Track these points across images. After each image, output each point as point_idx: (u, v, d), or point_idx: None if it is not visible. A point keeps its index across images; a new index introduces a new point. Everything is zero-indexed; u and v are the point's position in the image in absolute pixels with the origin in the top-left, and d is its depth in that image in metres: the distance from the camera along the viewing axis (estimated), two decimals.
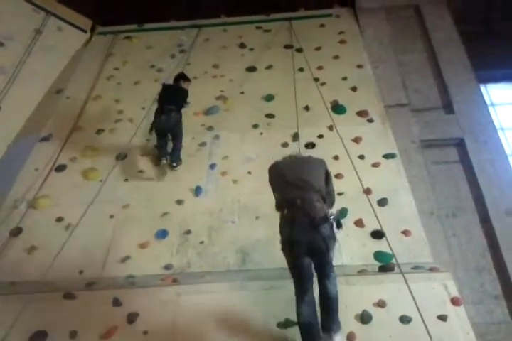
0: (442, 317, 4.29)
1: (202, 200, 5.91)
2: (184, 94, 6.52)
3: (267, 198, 5.72)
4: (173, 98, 6.34)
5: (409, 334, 4.16)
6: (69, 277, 5.07)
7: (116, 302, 4.65)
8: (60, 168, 6.35)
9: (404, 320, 4.26)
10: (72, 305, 4.71)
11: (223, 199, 5.87)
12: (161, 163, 6.22)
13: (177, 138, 6.36)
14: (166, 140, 6.39)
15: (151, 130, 6.31)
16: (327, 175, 4.21)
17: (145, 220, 5.60)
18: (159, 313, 4.56)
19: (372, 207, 5.05)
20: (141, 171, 6.35)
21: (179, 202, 5.88)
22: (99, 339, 4.39)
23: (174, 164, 6.19)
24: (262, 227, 5.49)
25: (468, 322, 4.32)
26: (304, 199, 3.91)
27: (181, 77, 6.74)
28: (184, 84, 6.63)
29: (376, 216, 4.84)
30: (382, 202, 5.59)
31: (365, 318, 4.32)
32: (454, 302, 4.42)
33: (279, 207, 4.09)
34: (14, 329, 4.40)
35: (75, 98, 7.48)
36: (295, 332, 4.25)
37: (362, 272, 4.86)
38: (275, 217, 5.52)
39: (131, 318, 4.52)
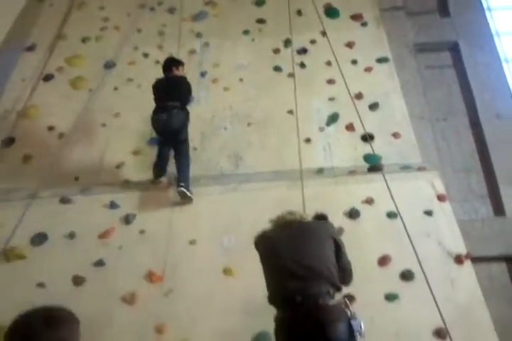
0: (428, 213, 4.46)
1: (193, 108, 5.87)
2: (186, 84, 5.15)
3: (259, 105, 5.77)
4: (173, 92, 5.00)
5: (396, 229, 4.32)
6: (65, 183, 5.17)
7: (113, 205, 4.78)
8: (48, 78, 6.24)
9: (391, 215, 4.41)
10: (69, 209, 4.85)
11: (215, 107, 5.84)
12: (157, 182, 4.98)
13: (182, 150, 4.93)
14: (167, 149, 5.00)
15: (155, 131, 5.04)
16: (338, 246, 2.95)
17: (136, 128, 5.61)
18: (155, 215, 4.71)
19: (357, 112, 5.07)
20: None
21: None
22: (97, 239, 4.57)
23: (182, 184, 4.67)
24: (254, 133, 5.53)
25: (454, 217, 4.49)
26: (308, 294, 2.67)
27: (171, 63, 5.32)
28: (178, 71, 5.28)
29: (361, 120, 4.90)
30: (373, 107, 5.59)
31: (353, 214, 4.49)
32: (440, 198, 4.57)
33: (271, 301, 2.88)
34: (15, 232, 4.56)
35: (59, 5, 7.19)
36: None
37: (351, 173, 4.97)
38: (268, 124, 5.60)
39: (128, 219, 4.68)
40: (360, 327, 2.68)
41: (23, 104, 5.94)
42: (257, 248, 3.07)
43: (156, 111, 4.95)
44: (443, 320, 3.52)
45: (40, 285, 4.16)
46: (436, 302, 3.58)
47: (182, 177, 4.74)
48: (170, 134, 4.92)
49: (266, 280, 2.95)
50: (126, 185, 5.10)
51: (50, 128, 5.70)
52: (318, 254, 2.82)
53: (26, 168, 5.40)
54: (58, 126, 5.70)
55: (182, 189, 4.63)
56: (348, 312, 2.73)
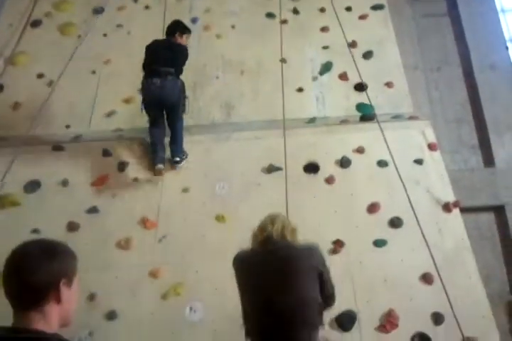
0: (418, 161, 4.50)
1: None
2: (185, 55, 4.70)
3: (252, 53, 5.68)
4: (169, 58, 4.51)
5: (385, 177, 4.38)
6: (56, 131, 5.14)
7: (106, 153, 4.78)
8: (36, 24, 6.07)
9: (382, 163, 4.46)
10: (61, 157, 4.84)
11: (207, 55, 5.74)
12: (156, 168, 4.49)
13: (175, 121, 4.61)
14: (162, 122, 4.64)
15: (143, 105, 4.55)
16: (322, 280, 2.61)
17: (128, 75, 5.51)
18: (148, 163, 4.71)
19: (354, 60, 5.04)
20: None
21: None
22: (90, 186, 4.59)
23: (177, 159, 4.53)
24: (246, 82, 5.47)
25: (443, 166, 4.55)
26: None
27: (177, 28, 4.81)
28: (182, 39, 4.77)
29: (357, 69, 4.86)
30: (367, 55, 5.52)
31: (344, 163, 4.52)
32: (431, 147, 4.61)
33: (248, 335, 2.61)
34: (8, 180, 4.55)
35: None
36: (278, 176, 4.48)
37: (343, 122, 4.98)
38: (261, 72, 5.53)
39: (122, 167, 4.68)
40: None
41: (10, 50, 5.80)
42: (234, 269, 2.74)
43: (147, 76, 4.49)
44: (434, 262, 3.62)
45: (35, 231, 4.20)
46: (428, 245, 3.68)
47: (176, 150, 4.56)
48: (164, 107, 4.55)
49: (242, 307, 2.63)
50: (119, 132, 5.08)
51: (40, 76, 5.59)
52: (301, 291, 2.52)
53: (16, 116, 5.34)
54: (47, 73, 5.59)
55: (177, 165, 4.57)
56: None
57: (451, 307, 3.51)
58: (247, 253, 2.74)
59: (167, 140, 4.68)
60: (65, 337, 1.49)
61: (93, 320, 3.66)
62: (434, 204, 4.26)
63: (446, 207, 4.22)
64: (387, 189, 4.31)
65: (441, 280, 3.61)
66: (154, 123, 4.61)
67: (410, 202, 3.88)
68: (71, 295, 1.55)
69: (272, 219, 2.78)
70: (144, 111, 4.55)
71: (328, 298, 2.68)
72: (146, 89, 4.48)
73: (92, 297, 3.81)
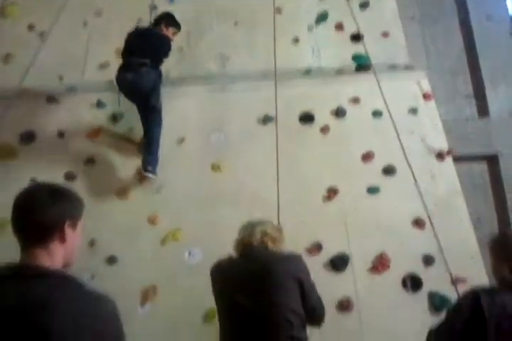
0: (413, 111, 4.53)
1: (177, 7, 5.68)
2: (165, 43, 4.38)
3: (246, 3, 5.58)
4: (147, 48, 4.24)
5: (380, 127, 4.41)
6: (49, 83, 5.09)
7: (100, 104, 4.78)
8: None
9: (377, 113, 4.48)
10: (56, 108, 4.84)
11: (200, 5, 5.64)
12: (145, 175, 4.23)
13: (152, 119, 4.32)
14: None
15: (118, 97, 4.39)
16: (304, 290, 2.47)
17: (120, 27, 5.42)
18: None
19: (351, 10, 4.97)
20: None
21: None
22: (85, 138, 4.61)
23: (149, 168, 4.17)
24: (241, 32, 5.41)
25: (438, 115, 4.58)
26: None
27: (165, 18, 4.55)
28: (167, 32, 4.48)
29: (354, 19, 4.79)
30: (364, 5, 5.44)
31: (339, 113, 4.55)
32: (426, 97, 4.63)
33: None
34: (3, 132, 4.54)
35: None
36: (273, 127, 4.50)
37: (339, 72, 4.96)
38: (256, 22, 5.46)
39: (116, 118, 4.69)
40: None
41: (0, 2, 5.69)
42: (211, 278, 2.63)
43: (120, 69, 4.23)
44: (425, 206, 3.69)
45: (33, 180, 4.24)
46: (419, 189, 3.73)
47: (150, 159, 4.18)
48: (137, 97, 4.29)
49: (218, 317, 2.58)
50: (112, 84, 5.05)
51: (31, 27, 5.51)
52: (277, 305, 2.39)
53: (8, 67, 5.28)
54: (38, 24, 5.49)
55: (148, 175, 4.17)
56: None
57: (441, 250, 3.60)
58: (225, 263, 2.63)
59: None
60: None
61: (94, 264, 3.76)
62: (428, 152, 4.32)
63: (440, 156, 4.28)
64: (382, 138, 4.35)
65: (431, 223, 3.69)
66: (141, 108, 4.40)
67: (403, 149, 3.90)
68: (75, 237, 1.61)
69: (252, 226, 2.65)
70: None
71: (311, 311, 2.51)
72: (118, 83, 4.25)
73: (92, 243, 3.91)
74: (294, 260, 2.55)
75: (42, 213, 1.53)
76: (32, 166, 4.41)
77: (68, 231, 1.57)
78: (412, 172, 3.82)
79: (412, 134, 4.38)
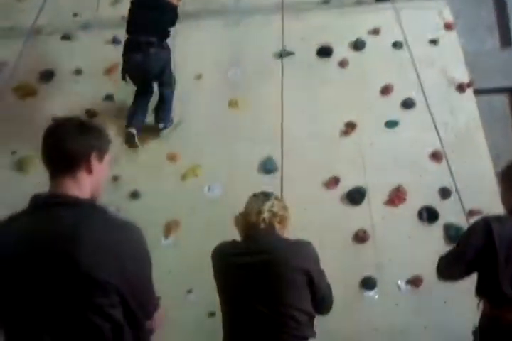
0: (434, 42, 4.42)
1: None
2: (170, 13, 4.14)
3: None
4: (152, 22, 3.99)
5: (400, 59, 4.32)
6: (64, 20, 5.04)
7: (116, 41, 4.74)
8: None
9: (397, 45, 4.39)
10: (72, 46, 4.84)
11: None
12: (128, 131, 4.04)
13: (163, 88, 4.21)
14: (150, 91, 4.25)
15: (124, 76, 4.13)
16: (313, 283, 2.26)
17: None
18: None
19: None
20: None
21: None
22: (103, 75, 4.61)
23: (161, 125, 4.15)
24: None
25: (459, 46, 4.46)
26: None
27: None
28: None
29: None
30: None
31: (358, 45, 4.46)
32: (448, 27, 4.50)
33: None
34: (21, 70, 4.54)
35: None
36: (290, 60, 4.44)
37: (358, 3, 4.81)
38: None
39: None
40: None
41: None
42: (212, 263, 2.41)
43: (126, 48, 4.01)
44: (440, 139, 3.68)
45: (54, 119, 4.29)
46: (435, 124, 3.71)
47: (162, 115, 4.14)
48: (148, 80, 4.15)
49: (222, 312, 2.39)
50: (125, 20, 4.97)
51: None
52: (283, 300, 2.20)
53: (23, 6, 5.21)
54: None
55: (160, 125, 4.14)
56: None
57: (454, 181, 3.60)
58: (228, 247, 2.39)
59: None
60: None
61: (118, 199, 3.87)
62: (448, 84, 4.25)
63: (460, 87, 4.21)
64: (401, 70, 4.27)
65: (446, 159, 3.68)
66: (140, 91, 4.24)
67: (420, 82, 3.84)
68: (101, 170, 1.67)
69: (259, 204, 2.37)
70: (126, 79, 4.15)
71: (321, 300, 2.34)
72: (126, 64, 4.04)
73: (115, 178, 4.01)
74: (303, 249, 2.32)
75: (69, 142, 1.58)
76: (52, 104, 4.46)
77: (94, 162, 1.62)
78: (428, 106, 3.76)
79: (433, 66, 4.29)
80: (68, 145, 1.58)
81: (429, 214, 3.80)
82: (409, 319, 3.57)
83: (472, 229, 2.41)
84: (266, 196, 2.43)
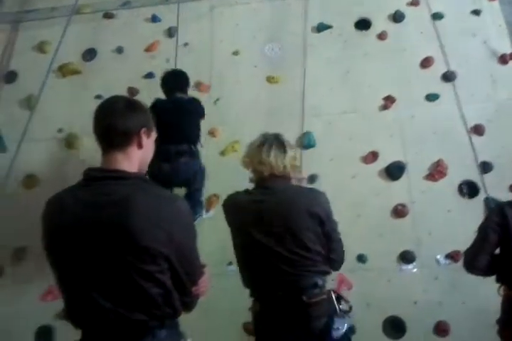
0: (476, 12, 4.30)
1: None
2: (197, 111, 3.86)
3: None
4: (179, 129, 3.65)
5: (440, 30, 4.24)
6: None
7: (155, 18, 4.80)
8: None
9: (437, 16, 4.30)
10: (113, 24, 4.91)
11: None
12: None
13: (194, 190, 3.89)
14: None
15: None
16: (325, 231, 2.33)
17: None
18: (197, 27, 4.72)
19: None
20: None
21: None
22: (143, 52, 4.69)
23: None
24: None
25: (502, 16, 4.33)
26: (290, 289, 2.28)
27: (173, 84, 3.94)
28: (185, 93, 3.95)
29: None
30: None
31: (397, 17, 4.38)
32: None
33: (246, 285, 2.45)
34: (65, 49, 4.60)
35: None
36: (328, 34, 4.42)
37: None
38: None
39: (171, 32, 4.71)
40: (344, 326, 2.28)
41: None
42: (224, 211, 2.48)
43: (156, 157, 3.39)
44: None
45: (98, 97, 4.38)
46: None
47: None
48: (178, 185, 3.83)
49: (236, 258, 2.44)
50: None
51: None
52: (304, 236, 2.26)
53: None
54: None
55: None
56: (337, 308, 2.32)
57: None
58: (241, 196, 2.42)
59: None
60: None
61: None
62: (490, 56, 4.14)
63: (502, 59, 4.10)
64: (442, 42, 4.19)
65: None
66: None
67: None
68: (149, 144, 1.77)
69: (268, 148, 2.35)
70: None
71: (331, 251, 2.37)
72: (155, 173, 3.24)
73: None
74: (317, 196, 2.37)
75: (122, 119, 1.68)
76: (96, 82, 4.57)
77: (144, 137, 1.72)
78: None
79: (474, 37, 4.20)
80: (121, 122, 1.68)
81: (469, 189, 3.78)
82: (447, 293, 3.61)
83: (488, 216, 2.56)
84: (280, 144, 2.40)
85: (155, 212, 1.58)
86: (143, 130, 1.72)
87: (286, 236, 2.26)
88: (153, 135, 1.80)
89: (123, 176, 1.66)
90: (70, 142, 4.40)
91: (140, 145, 1.72)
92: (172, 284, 1.63)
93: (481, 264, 2.47)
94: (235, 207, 2.42)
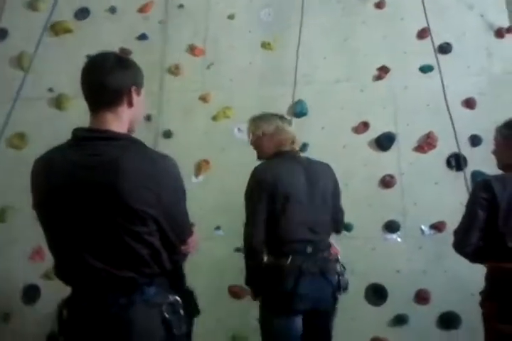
0: None
1: None
2: None
3: None
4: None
5: (438, 1, 4.19)
6: None
7: None
8: None
9: None
10: None
11: None
12: None
13: None
14: None
15: None
16: (337, 192, 2.88)
17: None
18: None
19: None
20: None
21: None
22: (137, 12, 4.57)
23: None
24: None
25: None
26: (317, 247, 2.65)
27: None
28: None
29: None
30: None
31: None
32: None
33: (272, 245, 2.70)
34: (57, 7, 4.42)
35: None
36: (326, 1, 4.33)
37: None
38: None
39: None
40: (347, 284, 2.75)
41: None
42: (257, 182, 2.67)
43: None
44: None
45: (88, 56, 4.33)
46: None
47: None
48: None
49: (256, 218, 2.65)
50: None
51: None
52: (326, 202, 2.73)
53: None
54: None
55: None
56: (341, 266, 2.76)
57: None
58: (270, 165, 2.74)
59: None
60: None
61: (151, 138, 3.96)
62: (487, 29, 4.10)
63: (499, 33, 4.06)
64: (439, 14, 4.12)
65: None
66: None
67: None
68: (139, 103, 1.74)
69: (289, 130, 2.86)
70: None
71: (335, 221, 2.84)
72: None
73: (148, 117, 4.11)
74: (330, 168, 2.86)
75: (111, 77, 1.65)
76: (88, 41, 4.45)
77: (134, 95, 1.70)
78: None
79: (471, 10, 4.14)
80: (110, 80, 1.64)
81: (457, 162, 3.81)
82: (430, 262, 3.70)
83: (474, 191, 2.57)
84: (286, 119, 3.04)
85: (143, 173, 1.58)
86: (133, 88, 1.69)
87: (321, 202, 2.69)
88: (143, 93, 1.78)
89: (112, 137, 1.64)
90: (60, 102, 4.36)
91: (130, 104, 1.70)
92: (161, 244, 1.65)
93: (471, 242, 2.47)
94: (272, 174, 2.66)
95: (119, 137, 1.66)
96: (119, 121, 1.69)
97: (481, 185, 2.52)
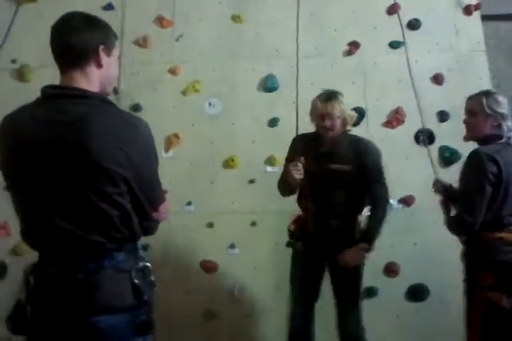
0: None
1: None
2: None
3: None
4: None
5: None
6: None
7: None
8: None
9: None
10: None
11: None
12: None
13: None
14: None
15: None
16: None
17: None
18: None
19: None
20: None
21: None
22: None
23: None
24: None
25: None
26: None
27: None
28: None
29: None
30: None
31: None
32: None
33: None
34: None
35: None
36: None
37: None
38: None
39: None
40: None
41: None
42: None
43: None
44: None
45: None
46: None
47: None
48: None
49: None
50: None
51: None
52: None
53: None
54: None
55: None
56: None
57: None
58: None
59: None
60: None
61: None
62: (455, 6, 4.14)
63: (467, 10, 4.10)
64: None
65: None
66: None
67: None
68: (110, 64, 1.70)
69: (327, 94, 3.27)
70: None
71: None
72: None
73: (115, 91, 4.00)
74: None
75: (77, 35, 1.61)
76: (51, 12, 4.12)
77: (103, 55, 1.65)
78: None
79: None
80: (76, 38, 1.60)
81: (426, 137, 3.86)
82: (399, 236, 3.76)
83: (478, 163, 2.40)
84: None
85: (114, 132, 1.55)
86: (101, 47, 1.64)
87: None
88: (116, 53, 1.73)
89: (81, 94, 1.61)
90: (23, 73, 4.22)
91: (99, 65, 1.65)
92: (132, 208, 1.62)
93: (479, 221, 2.37)
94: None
95: (88, 95, 1.62)
96: (88, 80, 1.65)
97: (486, 157, 2.36)
